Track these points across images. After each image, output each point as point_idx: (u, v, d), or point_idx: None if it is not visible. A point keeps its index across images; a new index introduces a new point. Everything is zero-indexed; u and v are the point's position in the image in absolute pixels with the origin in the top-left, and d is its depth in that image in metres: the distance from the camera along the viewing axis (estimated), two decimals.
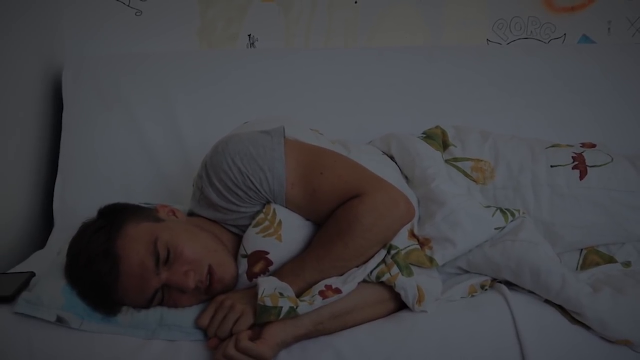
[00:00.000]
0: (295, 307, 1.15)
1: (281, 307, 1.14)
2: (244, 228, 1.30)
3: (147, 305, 1.21)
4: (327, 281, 1.21)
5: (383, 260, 1.25)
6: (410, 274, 1.25)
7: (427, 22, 2.08)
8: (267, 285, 1.18)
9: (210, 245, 1.25)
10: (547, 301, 1.28)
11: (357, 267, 1.25)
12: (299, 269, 1.23)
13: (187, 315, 1.21)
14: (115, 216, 1.23)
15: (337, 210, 1.25)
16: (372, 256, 1.25)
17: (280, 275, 1.23)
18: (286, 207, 1.28)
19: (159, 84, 1.87)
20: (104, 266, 1.17)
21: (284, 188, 1.26)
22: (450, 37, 2.09)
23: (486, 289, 1.33)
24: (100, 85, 1.87)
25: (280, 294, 1.17)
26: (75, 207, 1.75)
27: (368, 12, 2.06)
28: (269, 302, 1.14)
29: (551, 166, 1.45)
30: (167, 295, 1.21)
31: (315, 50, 2.03)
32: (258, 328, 1.16)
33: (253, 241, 1.26)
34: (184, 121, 1.85)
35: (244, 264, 1.26)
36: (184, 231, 1.25)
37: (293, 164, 1.27)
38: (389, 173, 1.39)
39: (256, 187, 1.26)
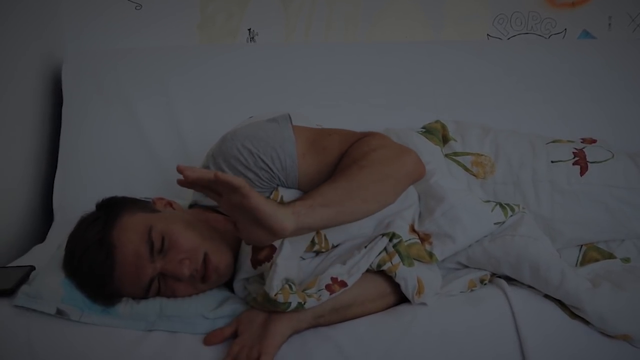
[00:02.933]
0: (303, 302, 1.15)
1: (290, 303, 1.14)
2: None
3: (144, 295, 1.21)
4: (333, 273, 1.20)
5: (385, 249, 1.25)
6: (411, 264, 1.25)
7: (427, 17, 2.08)
8: (279, 273, 1.15)
9: (206, 234, 1.25)
10: (546, 296, 1.28)
11: (359, 251, 1.24)
12: (315, 192, 1.17)
13: (187, 305, 1.21)
14: (111, 208, 1.24)
15: (349, 149, 1.26)
16: (375, 240, 1.24)
17: (294, 200, 1.19)
18: (298, 189, 1.28)
19: (158, 78, 1.87)
20: (99, 256, 1.17)
21: (296, 162, 1.26)
22: (451, 32, 2.09)
23: (485, 284, 1.33)
24: (100, 79, 1.87)
25: (290, 286, 1.17)
26: (75, 201, 1.75)
27: (368, 7, 2.06)
28: (281, 299, 1.14)
29: (552, 162, 1.45)
30: (163, 285, 1.22)
31: (315, 44, 2.03)
32: (263, 322, 1.16)
33: None
34: (184, 116, 1.85)
35: (248, 251, 1.25)
36: (180, 220, 1.26)
37: (302, 139, 1.29)
38: None
39: (268, 166, 1.26)
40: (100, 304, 1.20)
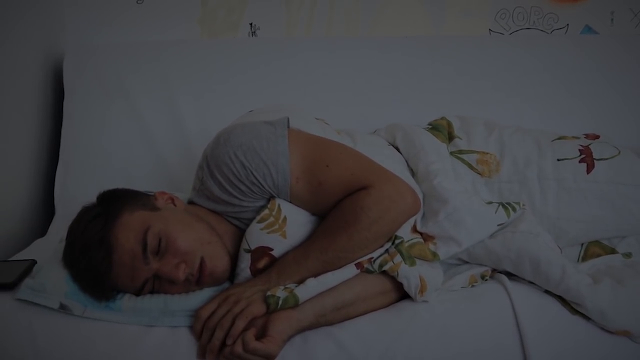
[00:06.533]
0: (292, 294, 1.16)
1: (278, 297, 1.16)
2: (245, 221, 1.29)
3: (138, 293, 1.21)
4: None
5: (386, 250, 1.25)
6: (413, 263, 1.25)
7: (429, 12, 2.07)
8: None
9: (205, 237, 1.24)
10: (547, 291, 1.28)
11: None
12: (302, 258, 1.22)
13: (192, 300, 1.20)
14: (112, 204, 1.23)
15: (342, 200, 1.24)
16: (376, 249, 1.25)
17: (283, 264, 1.23)
18: (290, 202, 1.27)
19: (160, 72, 1.87)
20: (98, 255, 1.17)
21: (289, 183, 1.25)
22: (452, 27, 2.08)
23: (486, 279, 1.33)
24: (102, 73, 1.87)
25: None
26: (76, 195, 1.74)
27: (370, 1, 2.06)
28: (269, 293, 1.17)
29: (558, 160, 1.43)
30: (158, 285, 1.21)
31: (316, 39, 2.02)
32: (263, 324, 1.16)
33: (257, 237, 1.25)
34: (185, 110, 1.85)
35: (247, 259, 1.25)
36: (179, 221, 1.24)
37: (298, 158, 1.25)
38: (395, 166, 1.37)
39: (260, 182, 1.24)
40: (95, 298, 1.20)
